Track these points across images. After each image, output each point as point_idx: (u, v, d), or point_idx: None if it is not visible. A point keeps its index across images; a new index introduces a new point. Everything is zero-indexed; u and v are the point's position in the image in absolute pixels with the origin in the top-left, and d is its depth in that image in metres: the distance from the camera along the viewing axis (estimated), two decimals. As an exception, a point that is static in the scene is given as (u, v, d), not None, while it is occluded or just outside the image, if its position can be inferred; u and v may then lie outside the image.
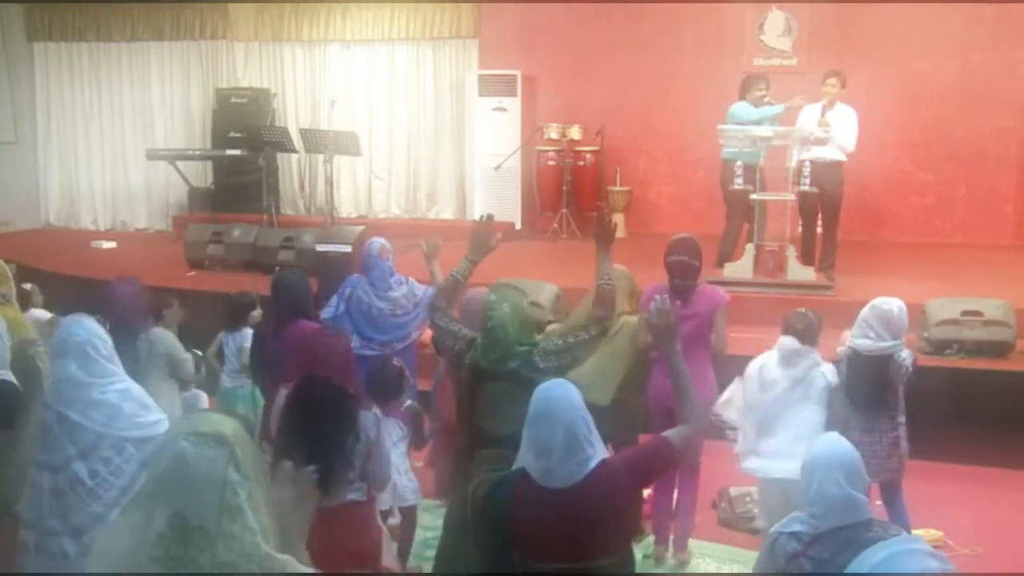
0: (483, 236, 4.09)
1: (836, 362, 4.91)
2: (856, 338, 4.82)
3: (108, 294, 4.81)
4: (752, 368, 4.85)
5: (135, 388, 3.37)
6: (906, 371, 4.81)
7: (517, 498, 2.75)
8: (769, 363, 4.81)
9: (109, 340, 3.40)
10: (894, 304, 4.81)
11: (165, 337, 4.81)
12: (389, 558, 3.95)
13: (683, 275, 4.84)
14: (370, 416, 3.72)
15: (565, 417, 2.73)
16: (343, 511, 3.49)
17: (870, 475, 4.74)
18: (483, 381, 3.56)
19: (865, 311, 4.82)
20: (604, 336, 3.83)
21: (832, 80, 8.08)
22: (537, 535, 2.74)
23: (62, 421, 3.22)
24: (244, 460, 2.10)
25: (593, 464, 2.74)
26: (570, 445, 2.72)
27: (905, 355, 4.84)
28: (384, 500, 4.96)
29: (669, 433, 3.02)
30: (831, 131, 7.92)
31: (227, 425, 2.15)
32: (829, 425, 4.78)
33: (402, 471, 4.90)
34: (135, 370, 4.38)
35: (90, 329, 3.36)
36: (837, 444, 2.83)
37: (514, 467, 2.84)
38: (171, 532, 2.02)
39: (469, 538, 2.86)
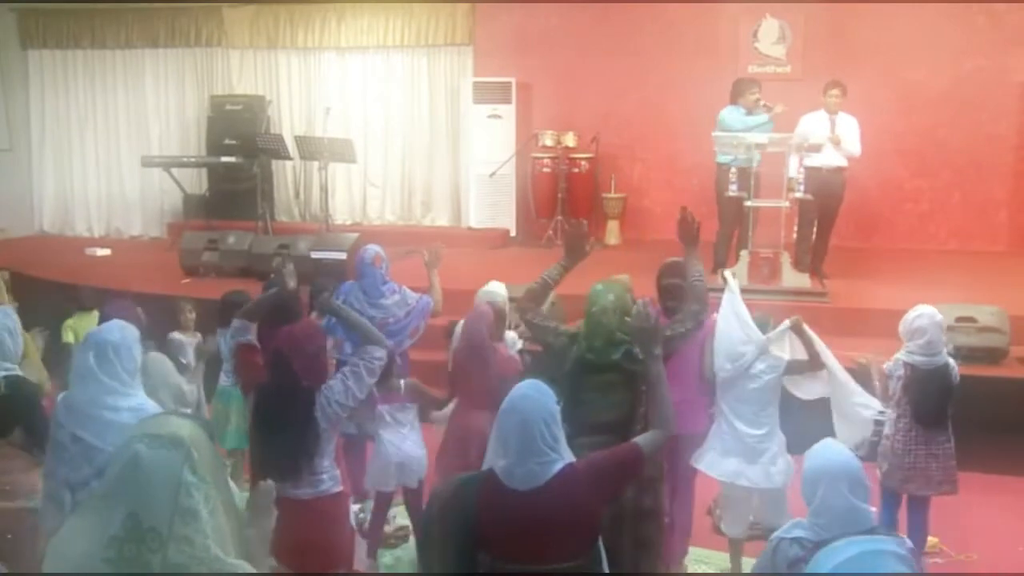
0: (578, 241, 4.19)
1: (881, 374, 4.88)
2: (914, 354, 4.78)
3: (103, 319, 4.80)
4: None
5: (149, 405, 3.37)
6: (956, 378, 4.84)
7: (483, 498, 2.77)
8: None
9: (138, 356, 3.41)
10: (937, 312, 4.82)
11: (161, 363, 4.79)
12: (359, 561, 4.01)
13: (677, 298, 4.85)
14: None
15: (525, 417, 2.77)
16: (311, 504, 3.55)
17: (929, 489, 4.78)
18: (587, 373, 3.76)
19: (922, 325, 4.74)
20: (700, 329, 4.04)
21: (835, 91, 8.27)
22: (502, 535, 2.76)
23: (77, 441, 3.26)
24: (201, 463, 2.10)
25: (557, 467, 2.77)
26: (525, 445, 2.74)
27: (952, 362, 4.87)
28: (389, 480, 5.03)
29: (639, 438, 3.07)
30: (843, 143, 8.09)
31: (184, 428, 2.15)
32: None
33: (413, 450, 5.01)
34: None
35: (125, 336, 3.38)
36: (839, 454, 2.80)
37: (483, 467, 2.88)
38: (124, 534, 2.02)
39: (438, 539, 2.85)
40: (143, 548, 2.01)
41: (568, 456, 2.83)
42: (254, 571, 2.20)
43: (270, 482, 2.96)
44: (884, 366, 4.92)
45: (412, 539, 5.31)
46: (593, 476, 2.85)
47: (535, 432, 2.75)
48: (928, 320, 4.75)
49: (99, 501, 2.12)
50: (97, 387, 3.28)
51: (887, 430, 4.87)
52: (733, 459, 4.70)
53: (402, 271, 5.93)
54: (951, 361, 4.86)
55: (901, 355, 4.85)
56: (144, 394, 3.42)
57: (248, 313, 4.03)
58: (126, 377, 3.33)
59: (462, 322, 5.16)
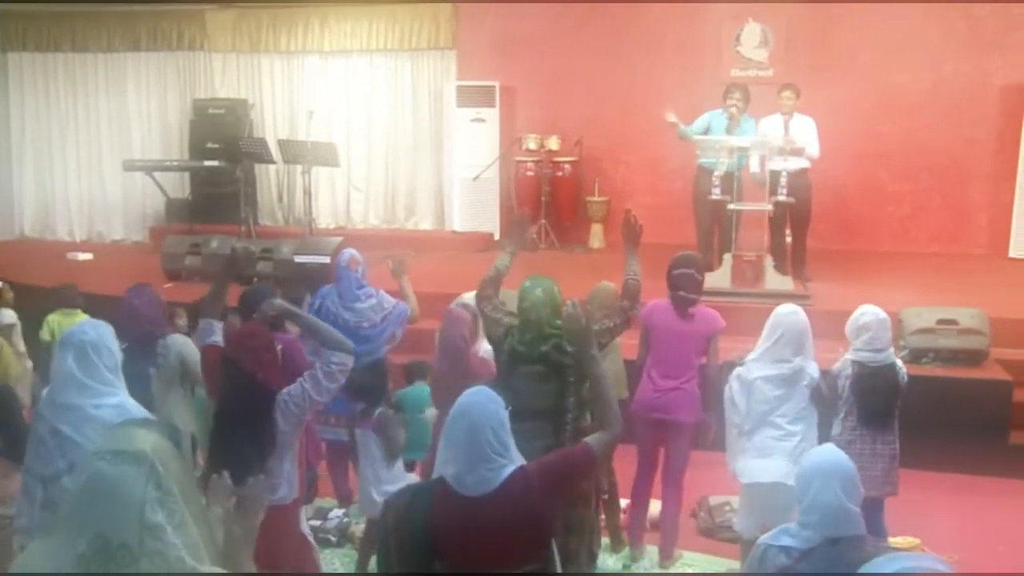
0: (519, 230, 4.54)
1: (830, 375, 4.89)
2: (860, 351, 4.82)
3: (124, 306, 4.81)
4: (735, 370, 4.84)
5: (131, 404, 3.36)
6: (903, 378, 4.86)
7: (436, 506, 2.75)
8: (753, 363, 4.78)
9: (117, 352, 3.39)
10: (881, 311, 4.86)
11: (177, 342, 4.78)
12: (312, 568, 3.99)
13: (687, 288, 4.90)
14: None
15: (473, 424, 2.74)
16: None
17: (873, 490, 4.79)
18: (518, 363, 4.01)
19: (866, 322, 4.80)
20: (627, 326, 4.22)
21: (787, 93, 8.36)
22: (456, 542, 2.73)
23: (56, 435, 3.23)
24: (166, 475, 2.07)
25: (507, 472, 2.75)
26: (474, 452, 2.72)
27: (900, 362, 4.91)
28: (376, 509, 4.96)
29: (589, 438, 3.07)
30: (796, 144, 8.10)
31: (148, 441, 2.11)
32: (818, 419, 4.78)
33: (380, 484, 4.86)
34: (155, 377, 4.41)
35: (101, 334, 3.35)
36: (834, 454, 2.81)
37: (434, 475, 2.86)
38: (92, 553, 1.99)
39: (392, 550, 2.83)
40: (113, 566, 1.98)
41: (518, 460, 2.81)
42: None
43: (254, 478, 2.92)
44: (833, 367, 4.95)
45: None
46: (545, 478, 2.83)
47: (483, 439, 2.73)
48: (872, 317, 4.81)
49: (63, 521, 2.08)
50: (79, 389, 3.26)
51: (834, 430, 4.88)
52: (774, 459, 4.63)
53: (383, 276, 5.92)
54: (899, 362, 4.91)
55: (849, 354, 4.90)
56: (126, 392, 3.40)
57: (207, 310, 4.01)
58: (107, 375, 3.31)
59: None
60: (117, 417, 3.22)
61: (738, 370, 4.79)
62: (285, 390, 3.60)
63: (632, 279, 4.20)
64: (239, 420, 3.50)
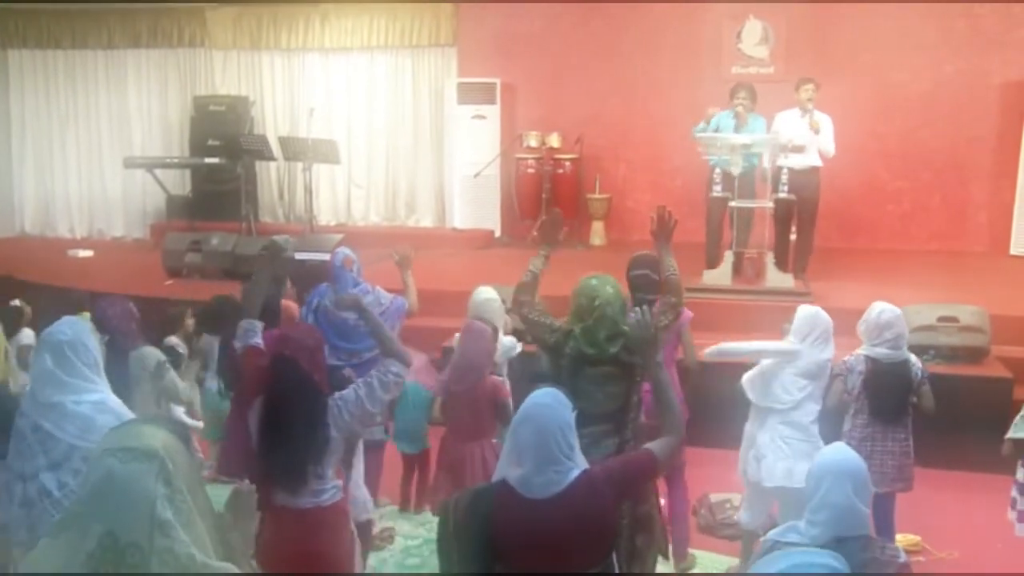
0: (554, 230, 4.37)
1: (841, 374, 4.89)
2: (877, 347, 4.81)
3: (96, 314, 4.83)
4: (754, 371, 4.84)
5: (112, 400, 3.35)
6: (919, 374, 4.86)
7: (499, 509, 2.75)
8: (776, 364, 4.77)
9: (96, 349, 3.40)
10: (896, 309, 4.87)
11: (151, 355, 4.80)
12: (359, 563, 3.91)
13: (645, 289, 4.89)
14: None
15: (541, 426, 2.75)
16: (315, 514, 3.44)
17: (886, 486, 4.79)
18: (585, 366, 3.85)
19: (888, 319, 4.80)
20: (677, 320, 4.26)
21: (808, 86, 8.21)
22: (520, 545, 2.74)
23: (36, 431, 3.22)
24: (175, 472, 2.07)
25: (573, 475, 2.76)
26: (542, 454, 2.73)
27: (915, 359, 4.91)
28: None
29: (652, 444, 3.07)
30: (821, 133, 8.04)
31: (157, 438, 2.11)
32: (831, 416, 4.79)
33: (358, 486, 4.83)
34: (126, 388, 4.44)
35: (78, 331, 3.36)
36: (847, 454, 2.82)
37: (495, 477, 2.86)
38: (101, 552, 1.98)
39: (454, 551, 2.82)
40: (123, 565, 1.98)
41: (583, 463, 2.82)
42: (240, 571, 2.19)
43: (248, 484, 2.91)
44: (844, 360, 4.94)
45: (397, 541, 5.33)
46: (610, 482, 2.84)
47: (551, 441, 2.73)
48: (892, 314, 4.82)
49: (73, 519, 2.07)
50: (58, 386, 3.26)
51: (845, 426, 4.89)
52: (801, 463, 4.53)
53: (383, 273, 5.92)
54: (912, 356, 4.91)
55: (863, 350, 4.88)
56: (108, 389, 3.39)
57: (252, 311, 3.85)
58: (87, 372, 3.30)
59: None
60: (98, 413, 3.23)
61: (762, 366, 4.78)
62: (337, 395, 3.49)
63: (672, 275, 4.18)
64: (293, 424, 3.37)
